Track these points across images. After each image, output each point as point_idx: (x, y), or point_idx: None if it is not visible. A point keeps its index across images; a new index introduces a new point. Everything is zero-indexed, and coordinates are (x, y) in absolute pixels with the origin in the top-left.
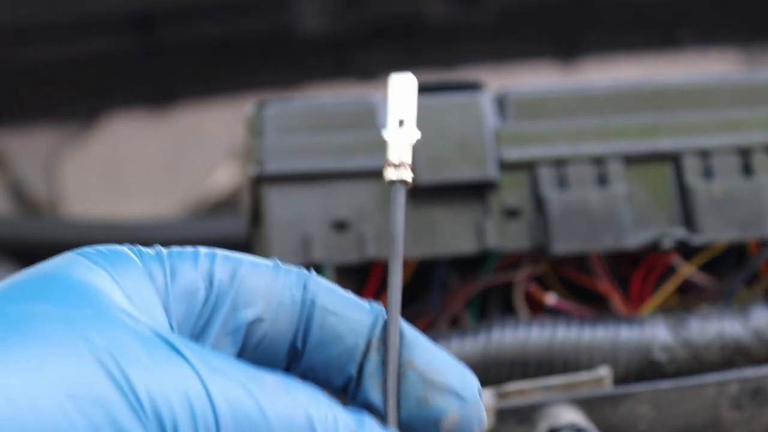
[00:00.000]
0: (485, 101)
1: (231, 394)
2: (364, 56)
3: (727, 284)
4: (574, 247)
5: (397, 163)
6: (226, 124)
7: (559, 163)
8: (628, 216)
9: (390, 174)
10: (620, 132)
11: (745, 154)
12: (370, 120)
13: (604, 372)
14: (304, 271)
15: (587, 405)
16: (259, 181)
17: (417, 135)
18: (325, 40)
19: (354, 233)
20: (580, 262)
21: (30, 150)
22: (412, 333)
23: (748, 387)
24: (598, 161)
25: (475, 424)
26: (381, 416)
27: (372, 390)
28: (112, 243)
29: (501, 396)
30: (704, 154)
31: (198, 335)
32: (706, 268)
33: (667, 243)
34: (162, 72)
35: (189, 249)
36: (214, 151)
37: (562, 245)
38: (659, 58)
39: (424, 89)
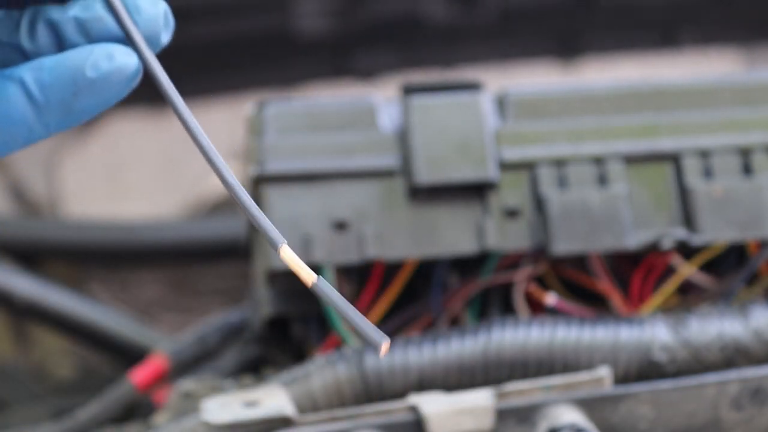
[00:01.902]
0: (485, 101)
1: None
2: (363, 56)
3: (727, 284)
4: (574, 247)
5: None
6: (226, 124)
7: (559, 163)
8: (628, 216)
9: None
10: (620, 132)
11: (745, 154)
12: (370, 120)
13: (604, 372)
14: None
15: (587, 405)
16: (260, 181)
17: None
18: (324, 40)
19: (354, 233)
20: (580, 262)
21: (30, 150)
22: None
23: (748, 387)
24: (598, 161)
25: None
26: None
27: None
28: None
29: (501, 396)
30: (704, 154)
31: None
32: (706, 268)
33: (667, 243)
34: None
35: None
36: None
37: (562, 245)
38: (659, 58)
39: (424, 89)
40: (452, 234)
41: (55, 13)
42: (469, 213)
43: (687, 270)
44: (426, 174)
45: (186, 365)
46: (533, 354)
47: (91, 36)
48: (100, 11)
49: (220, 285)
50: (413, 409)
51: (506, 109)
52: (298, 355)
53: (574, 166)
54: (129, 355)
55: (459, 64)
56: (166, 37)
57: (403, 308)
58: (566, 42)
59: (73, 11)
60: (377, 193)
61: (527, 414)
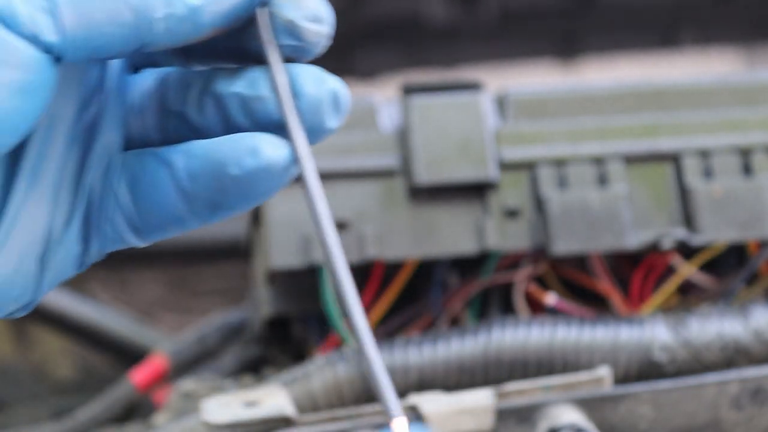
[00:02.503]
0: (485, 101)
1: None
2: (364, 56)
3: (727, 284)
4: (574, 247)
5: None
6: None
7: (559, 163)
8: (628, 216)
9: None
10: (620, 132)
11: (745, 154)
12: (370, 120)
13: (604, 372)
14: None
15: (587, 405)
16: None
17: None
18: None
19: (354, 233)
20: (580, 262)
21: None
22: None
23: (748, 387)
24: (598, 161)
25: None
26: None
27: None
28: None
29: (501, 396)
30: (704, 154)
31: None
32: (706, 268)
33: (667, 243)
34: None
35: None
36: None
37: (562, 245)
38: (659, 58)
39: (424, 89)
40: (452, 234)
41: (222, 85)
42: (469, 213)
43: (687, 270)
44: (426, 174)
45: (186, 365)
46: (533, 354)
47: (254, 117)
48: (263, 90)
49: (220, 285)
50: (413, 409)
51: (506, 109)
52: (298, 355)
53: (574, 166)
54: (129, 355)
55: (459, 64)
56: (333, 122)
57: (403, 308)
58: (566, 42)
59: (238, 86)
60: (377, 193)
61: (527, 414)
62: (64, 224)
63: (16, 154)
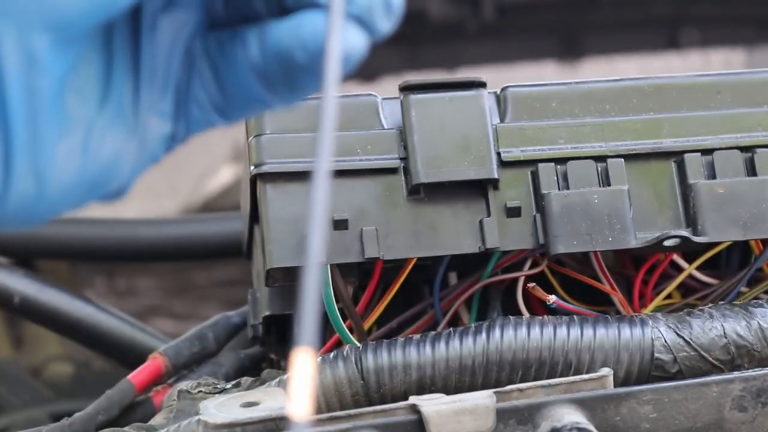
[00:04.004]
0: (486, 99)
1: None
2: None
3: (729, 283)
4: (575, 247)
5: None
6: None
7: (560, 161)
8: (630, 215)
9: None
10: (622, 130)
11: (747, 152)
12: (370, 120)
13: (605, 372)
14: None
15: (589, 405)
16: (259, 180)
17: None
18: None
19: (354, 233)
20: (581, 261)
21: None
22: None
23: (752, 387)
24: (600, 160)
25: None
26: None
27: None
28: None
29: (502, 396)
30: (707, 153)
31: None
32: (709, 267)
33: (669, 242)
34: None
35: None
36: (214, 151)
37: (563, 244)
38: (659, 58)
39: (424, 87)
40: (452, 233)
41: None
42: (469, 212)
43: (689, 269)
44: (426, 172)
45: (185, 365)
46: (534, 354)
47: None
48: None
49: (220, 284)
50: (413, 409)
51: (507, 107)
52: None
53: (575, 165)
54: (128, 355)
55: (460, 64)
56: (385, 25)
57: (403, 308)
58: (566, 42)
59: None
60: (377, 191)
61: (528, 414)
62: (157, 105)
63: (109, 38)
